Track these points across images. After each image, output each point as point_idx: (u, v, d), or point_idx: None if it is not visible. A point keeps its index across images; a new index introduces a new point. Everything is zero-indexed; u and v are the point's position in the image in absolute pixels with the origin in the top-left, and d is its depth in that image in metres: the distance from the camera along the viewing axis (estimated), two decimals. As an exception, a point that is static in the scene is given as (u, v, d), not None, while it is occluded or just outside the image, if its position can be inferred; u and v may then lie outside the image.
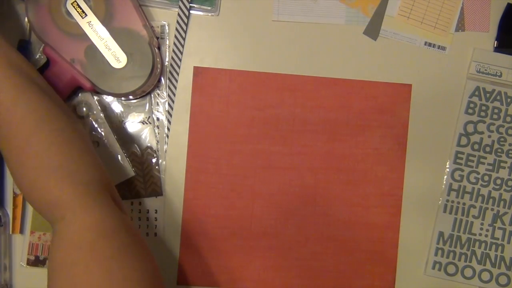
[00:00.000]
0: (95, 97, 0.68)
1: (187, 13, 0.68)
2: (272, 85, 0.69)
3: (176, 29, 0.68)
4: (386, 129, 0.70)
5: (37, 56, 0.67)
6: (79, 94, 0.67)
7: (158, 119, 0.69)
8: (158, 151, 0.69)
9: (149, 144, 0.69)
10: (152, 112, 0.69)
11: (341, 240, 0.70)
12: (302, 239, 0.70)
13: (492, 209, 0.70)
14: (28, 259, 0.68)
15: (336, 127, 0.70)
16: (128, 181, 0.68)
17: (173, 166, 0.69)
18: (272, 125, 0.69)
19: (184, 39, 0.69)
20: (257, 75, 0.69)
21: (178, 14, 0.68)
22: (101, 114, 0.68)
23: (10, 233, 0.67)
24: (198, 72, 0.69)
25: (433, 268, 0.70)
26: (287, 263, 0.69)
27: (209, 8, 0.69)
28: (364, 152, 0.70)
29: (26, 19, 0.67)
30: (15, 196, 0.67)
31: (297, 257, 0.70)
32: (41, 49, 0.67)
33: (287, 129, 0.69)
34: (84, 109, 0.68)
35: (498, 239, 0.70)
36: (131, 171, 0.68)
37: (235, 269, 0.69)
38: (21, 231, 0.68)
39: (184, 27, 0.68)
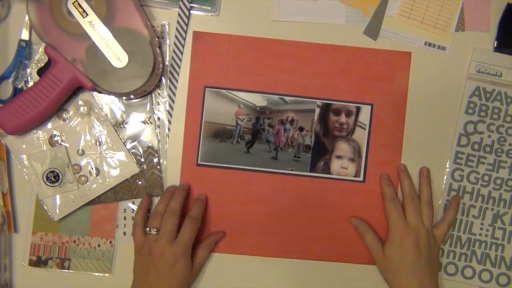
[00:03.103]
0: (96, 96, 0.68)
1: (187, 13, 0.68)
2: (271, 51, 0.69)
3: (177, 29, 0.68)
4: (385, 96, 0.70)
5: (38, 56, 0.67)
6: (79, 94, 0.68)
7: (159, 118, 0.69)
8: (159, 150, 0.69)
9: (150, 144, 0.69)
10: (153, 112, 0.69)
11: (339, 206, 0.70)
12: (299, 206, 0.70)
13: (492, 209, 0.70)
14: (30, 260, 0.68)
15: (335, 94, 0.70)
16: (130, 181, 0.68)
17: (173, 165, 0.69)
18: (271, 90, 0.69)
19: (184, 39, 0.69)
20: (256, 40, 0.69)
21: (179, 14, 0.68)
22: (103, 112, 0.68)
23: (7, 232, 0.67)
24: (198, 36, 0.69)
25: (433, 268, 0.70)
26: (284, 230, 0.69)
27: (209, 8, 0.69)
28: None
29: (26, 19, 0.67)
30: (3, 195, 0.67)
31: (294, 223, 0.70)
32: (41, 49, 0.67)
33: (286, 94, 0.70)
34: (85, 108, 0.68)
35: (498, 239, 0.70)
36: (136, 168, 0.68)
37: (232, 235, 0.69)
38: (15, 230, 0.68)
39: (185, 27, 0.68)
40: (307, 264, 0.70)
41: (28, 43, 0.67)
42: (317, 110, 0.70)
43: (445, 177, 0.70)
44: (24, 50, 0.67)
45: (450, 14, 0.70)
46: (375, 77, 0.70)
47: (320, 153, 0.70)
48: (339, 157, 0.70)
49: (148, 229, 0.64)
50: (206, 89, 0.69)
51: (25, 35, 0.68)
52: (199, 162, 0.69)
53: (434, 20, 0.70)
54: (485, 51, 0.70)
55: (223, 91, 0.69)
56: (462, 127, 0.70)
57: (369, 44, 0.70)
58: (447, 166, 0.70)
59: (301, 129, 0.70)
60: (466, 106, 0.70)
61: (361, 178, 0.70)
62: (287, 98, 0.69)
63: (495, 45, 0.70)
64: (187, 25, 0.69)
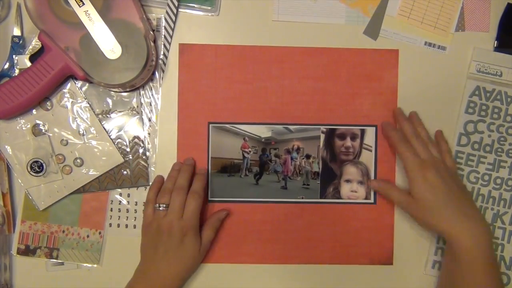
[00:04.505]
0: (80, 86, 0.68)
1: (176, 3, 0.68)
2: (258, 58, 0.69)
3: (166, 19, 0.68)
4: (376, 96, 0.70)
5: (33, 43, 0.67)
6: (67, 84, 0.67)
7: (151, 111, 0.69)
8: (148, 143, 0.69)
9: (136, 134, 0.69)
10: (141, 103, 0.69)
11: (337, 209, 0.70)
12: (297, 210, 0.70)
13: (492, 209, 0.70)
14: (18, 248, 0.68)
15: (325, 97, 0.70)
16: (115, 170, 0.68)
17: (164, 159, 0.69)
18: (261, 98, 0.69)
19: (173, 28, 0.69)
20: (243, 48, 0.69)
21: (168, 5, 0.67)
22: (86, 102, 0.68)
23: (7, 233, 0.67)
24: (184, 49, 0.69)
25: (433, 267, 0.70)
26: (283, 236, 0.70)
27: (209, 8, 0.69)
28: (355, 120, 0.70)
29: (15, 16, 0.67)
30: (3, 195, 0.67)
31: (293, 228, 0.70)
32: (34, 41, 0.67)
33: (276, 101, 0.70)
34: (69, 97, 0.67)
35: (498, 238, 0.70)
36: (120, 158, 0.68)
37: (232, 244, 0.69)
38: (15, 230, 0.68)
39: (174, 18, 0.68)
40: (309, 269, 0.70)
41: (21, 38, 0.67)
42: (322, 136, 0.70)
43: (445, 176, 0.70)
44: (18, 46, 0.67)
45: (450, 14, 0.70)
46: (363, 77, 0.70)
47: (329, 179, 0.70)
48: (348, 181, 0.70)
49: (157, 205, 0.64)
50: (210, 125, 0.69)
51: (16, 32, 0.67)
52: (209, 199, 0.69)
53: (434, 20, 0.70)
54: (485, 50, 0.70)
55: (227, 125, 0.69)
56: (462, 127, 0.70)
57: (369, 44, 0.70)
58: (447, 165, 0.70)
59: (307, 156, 0.70)
60: (466, 106, 0.70)
61: (371, 200, 0.70)
62: (291, 127, 0.70)
63: (495, 45, 0.70)
64: (176, 16, 0.68)
